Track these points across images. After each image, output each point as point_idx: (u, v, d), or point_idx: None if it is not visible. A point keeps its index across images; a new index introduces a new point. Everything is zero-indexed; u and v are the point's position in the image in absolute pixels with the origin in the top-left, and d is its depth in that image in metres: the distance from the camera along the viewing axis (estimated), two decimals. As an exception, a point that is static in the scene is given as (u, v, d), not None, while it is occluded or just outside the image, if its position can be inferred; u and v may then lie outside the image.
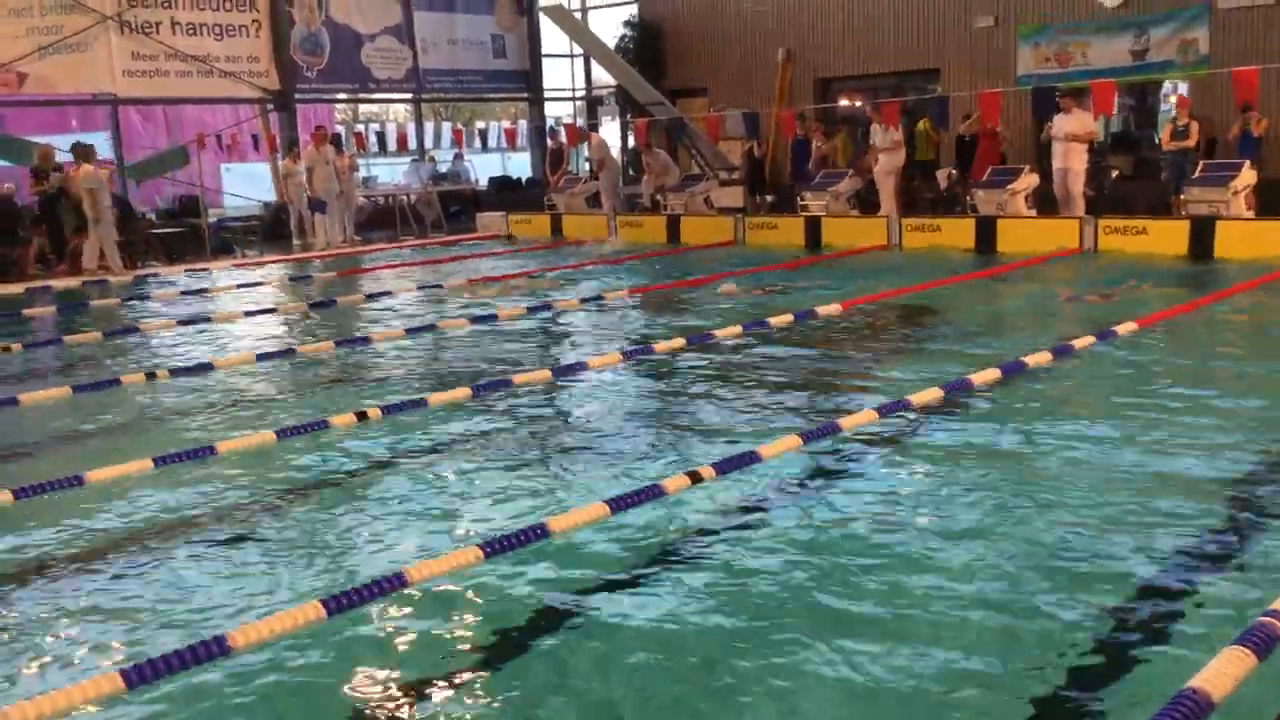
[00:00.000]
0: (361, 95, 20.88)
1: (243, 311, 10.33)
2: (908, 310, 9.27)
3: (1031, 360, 6.43)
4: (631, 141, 20.94)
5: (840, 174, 15.65)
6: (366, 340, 8.37)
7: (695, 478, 4.39)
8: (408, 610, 3.61)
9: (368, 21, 19.17)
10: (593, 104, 23.39)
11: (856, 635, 3.32)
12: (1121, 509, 4.23)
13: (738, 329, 8.07)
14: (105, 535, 4.49)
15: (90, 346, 8.78)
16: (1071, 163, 13.22)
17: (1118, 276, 10.40)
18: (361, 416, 5.77)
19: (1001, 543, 3.96)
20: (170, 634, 3.50)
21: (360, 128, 24.13)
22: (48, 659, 3.43)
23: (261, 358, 7.70)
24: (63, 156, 14.34)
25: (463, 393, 6.29)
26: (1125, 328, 7.30)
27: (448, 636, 3.46)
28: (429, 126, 23.06)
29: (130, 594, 3.89)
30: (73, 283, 13.05)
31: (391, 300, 10.83)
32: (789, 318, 8.39)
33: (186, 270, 14.17)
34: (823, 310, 8.65)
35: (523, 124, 23.06)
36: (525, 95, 22.21)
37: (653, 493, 4.24)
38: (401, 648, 3.40)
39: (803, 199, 15.39)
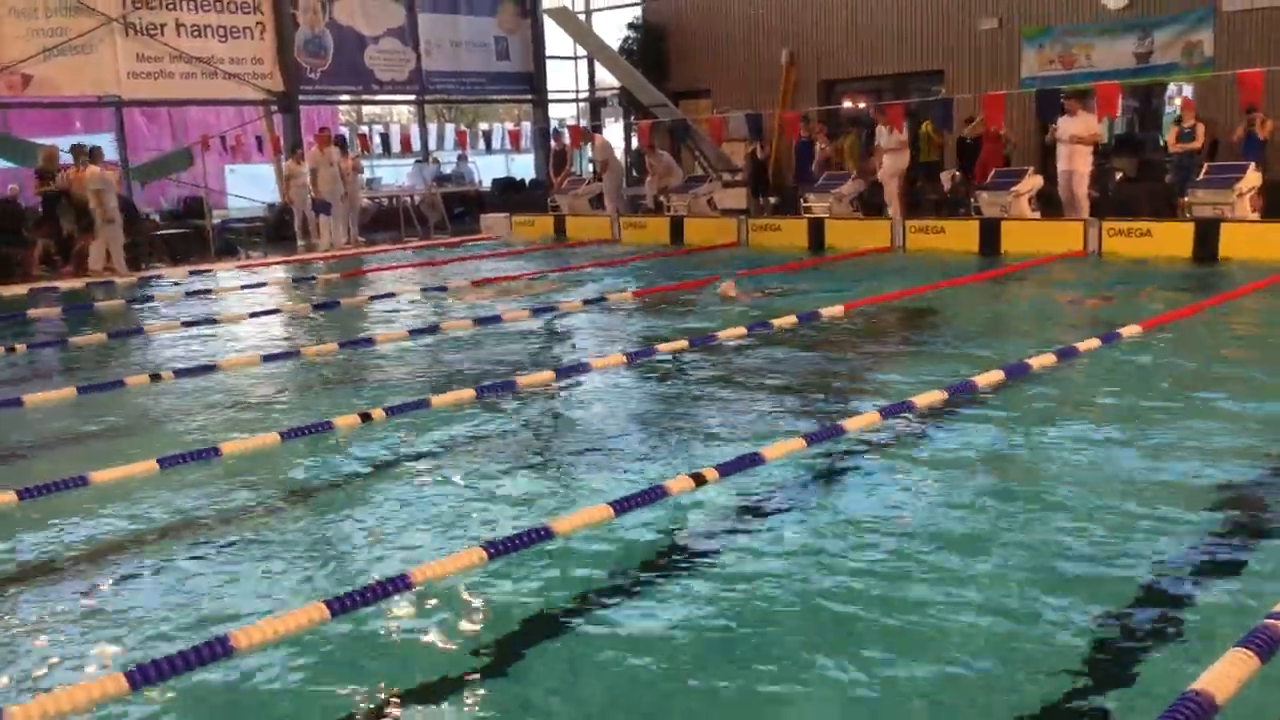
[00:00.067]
0: (365, 97, 20.90)
1: (247, 313, 10.35)
2: (911, 312, 9.27)
3: (1035, 362, 6.42)
4: (635, 143, 20.96)
5: (843, 176, 15.65)
6: (370, 341, 8.38)
7: (699, 479, 4.39)
8: (411, 611, 3.61)
9: (371, 23, 19.19)
10: (596, 105, 23.40)
11: (858, 640, 3.32)
12: (1125, 512, 4.23)
13: (741, 330, 8.07)
14: (109, 536, 4.49)
15: (95, 348, 8.79)
16: (1076, 165, 13.21)
17: (1121, 279, 10.39)
18: (365, 418, 5.77)
19: (1004, 546, 3.96)
20: (174, 634, 3.51)
21: (364, 129, 24.14)
22: (52, 659, 3.44)
23: (266, 359, 7.71)
24: (66, 158, 14.38)
25: (466, 394, 6.30)
26: (1129, 330, 7.29)
27: (451, 637, 3.47)
28: (432, 128, 23.08)
29: (134, 595, 3.90)
30: (77, 284, 13.08)
31: (395, 301, 10.84)
32: (792, 319, 8.40)
33: (191, 271, 14.19)
34: (826, 312, 8.66)
35: (526, 125, 23.07)
36: (529, 97, 22.23)
37: (656, 494, 4.24)
38: (405, 649, 3.40)
39: (806, 201, 15.40)
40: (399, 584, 3.45)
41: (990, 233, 13.07)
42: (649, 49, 20.68)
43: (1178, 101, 15.74)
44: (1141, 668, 3.11)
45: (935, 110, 15.37)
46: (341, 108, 24.42)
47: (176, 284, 13.12)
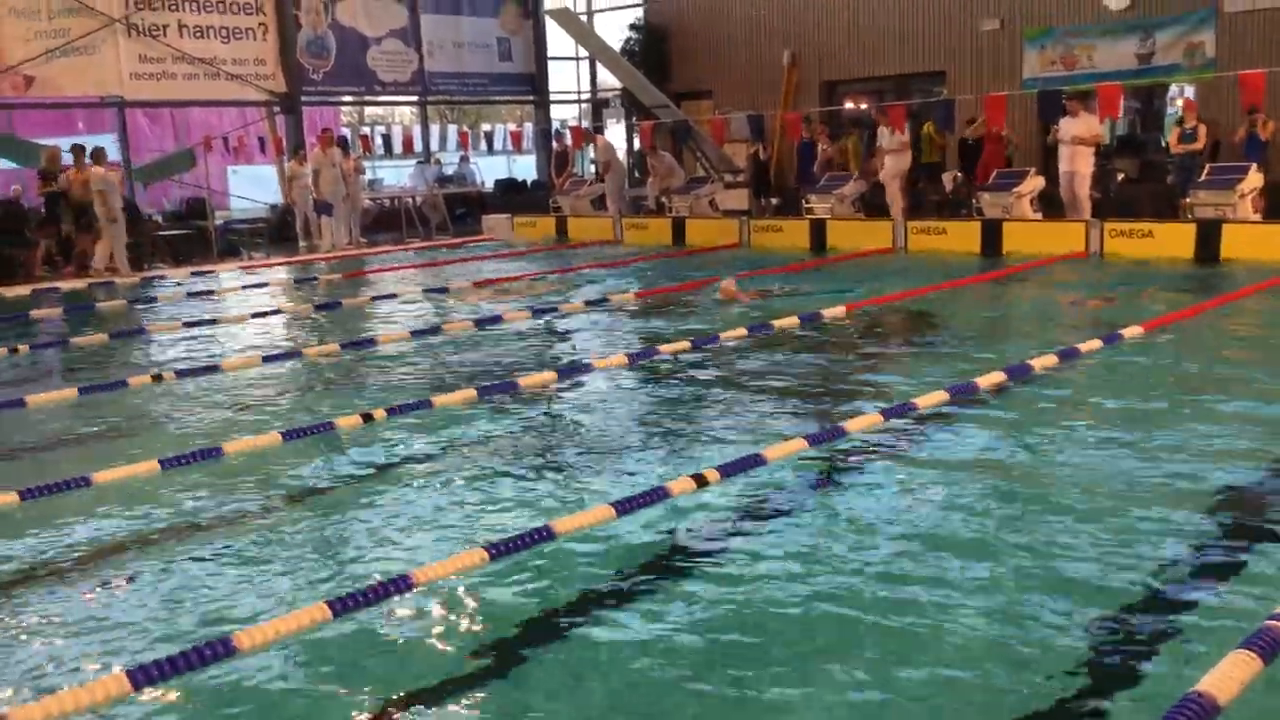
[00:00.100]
0: (367, 98, 20.92)
1: (249, 313, 10.36)
2: (913, 313, 9.26)
3: (1037, 363, 6.42)
4: (637, 144, 20.96)
5: (845, 177, 15.65)
6: (372, 342, 8.39)
7: (700, 480, 4.40)
8: (413, 612, 3.61)
9: (374, 24, 19.21)
10: (598, 106, 23.41)
11: (859, 642, 3.32)
12: (1127, 513, 4.22)
13: (742, 331, 8.07)
14: (111, 537, 4.49)
15: (97, 348, 8.80)
16: (1078, 166, 13.21)
17: (1123, 280, 10.38)
18: (367, 418, 5.78)
19: (1006, 547, 3.96)
20: (176, 635, 3.51)
21: (366, 130, 24.16)
22: (54, 660, 3.44)
23: (267, 360, 7.71)
24: (68, 159, 14.39)
25: (468, 394, 6.30)
26: (1131, 331, 7.29)
27: (452, 638, 3.47)
28: (434, 129, 23.07)
29: (136, 595, 3.90)
30: (79, 284, 13.10)
31: (397, 302, 10.85)
32: (794, 320, 8.40)
33: (193, 272, 14.21)
34: (828, 313, 8.66)
35: (528, 126, 23.09)
36: (531, 98, 22.24)
37: (658, 495, 4.25)
38: (406, 649, 3.40)
39: (807, 202, 15.40)
40: (401, 584, 3.46)
41: (992, 234, 13.06)
42: (651, 50, 20.69)
43: (1179, 102, 15.71)
44: (1143, 670, 3.11)
45: (937, 111, 15.37)
46: (344, 109, 24.43)
47: (178, 285, 13.13)
